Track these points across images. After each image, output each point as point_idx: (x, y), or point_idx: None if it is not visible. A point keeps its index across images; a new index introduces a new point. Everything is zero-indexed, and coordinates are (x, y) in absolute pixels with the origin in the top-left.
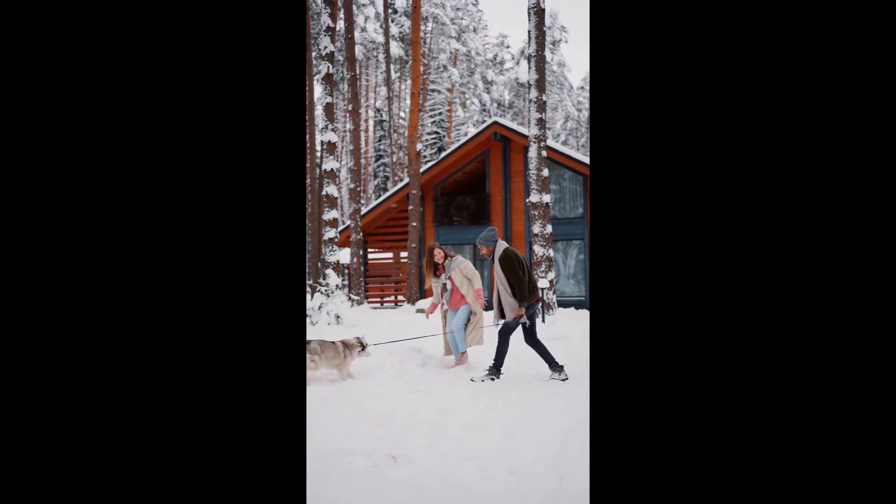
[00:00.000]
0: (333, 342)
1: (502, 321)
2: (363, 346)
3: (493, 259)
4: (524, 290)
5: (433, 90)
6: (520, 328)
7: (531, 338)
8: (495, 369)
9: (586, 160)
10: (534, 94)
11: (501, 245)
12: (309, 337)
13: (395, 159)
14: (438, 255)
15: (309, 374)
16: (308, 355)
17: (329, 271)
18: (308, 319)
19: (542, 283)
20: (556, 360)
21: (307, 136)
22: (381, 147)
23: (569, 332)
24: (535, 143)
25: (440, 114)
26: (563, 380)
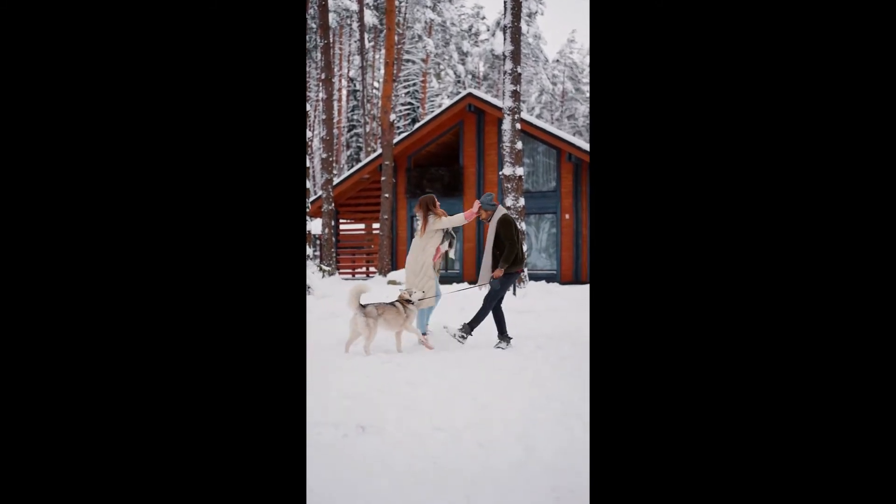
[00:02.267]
0: (392, 303)
1: (487, 285)
2: (412, 303)
3: (487, 222)
4: (515, 253)
5: (407, 60)
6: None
7: (491, 299)
8: (469, 328)
9: (561, 134)
10: (509, 65)
11: (501, 209)
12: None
13: (368, 130)
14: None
15: (365, 343)
16: (363, 320)
17: None
18: None
19: None
20: (507, 331)
21: None
22: (354, 117)
23: (539, 305)
24: (509, 115)
25: (414, 84)
26: (503, 349)
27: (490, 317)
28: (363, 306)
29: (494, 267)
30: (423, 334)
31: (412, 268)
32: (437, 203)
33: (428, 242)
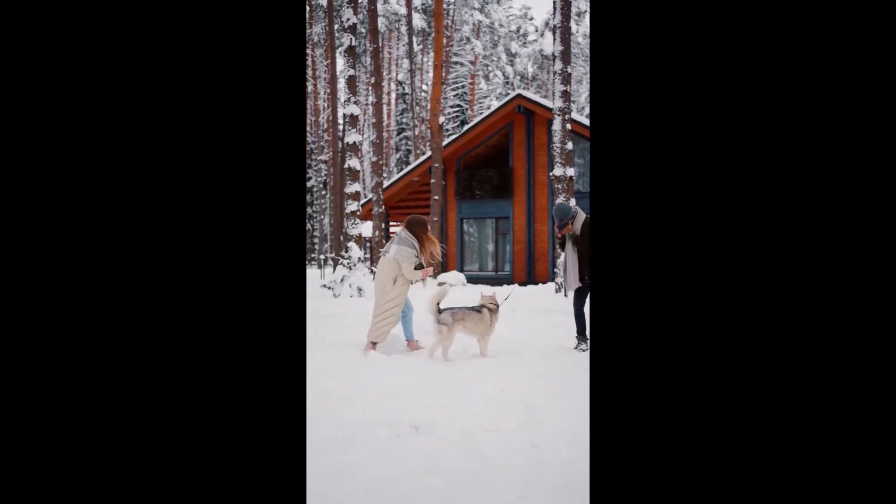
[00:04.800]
0: (476, 309)
1: (573, 289)
2: (498, 307)
3: (570, 233)
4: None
5: (456, 62)
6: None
7: (582, 302)
8: (583, 336)
9: None
10: (558, 65)
11: (582, 214)
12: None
13: (417, 132)
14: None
15: (442, 349)
16: (437, 326)
17: (351, 244)
18: (331, 292)
19: None
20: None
21: (329, 110)
22: (404, 120)
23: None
24: (559, 115)
25: (463, 87)
26: (584, 350)
27: (571, 319)
28: (440, 312)
29: (584, 271)
30: (412, 341)
31: (381, 300)
32: (429, 228)
33: (396, 278)
